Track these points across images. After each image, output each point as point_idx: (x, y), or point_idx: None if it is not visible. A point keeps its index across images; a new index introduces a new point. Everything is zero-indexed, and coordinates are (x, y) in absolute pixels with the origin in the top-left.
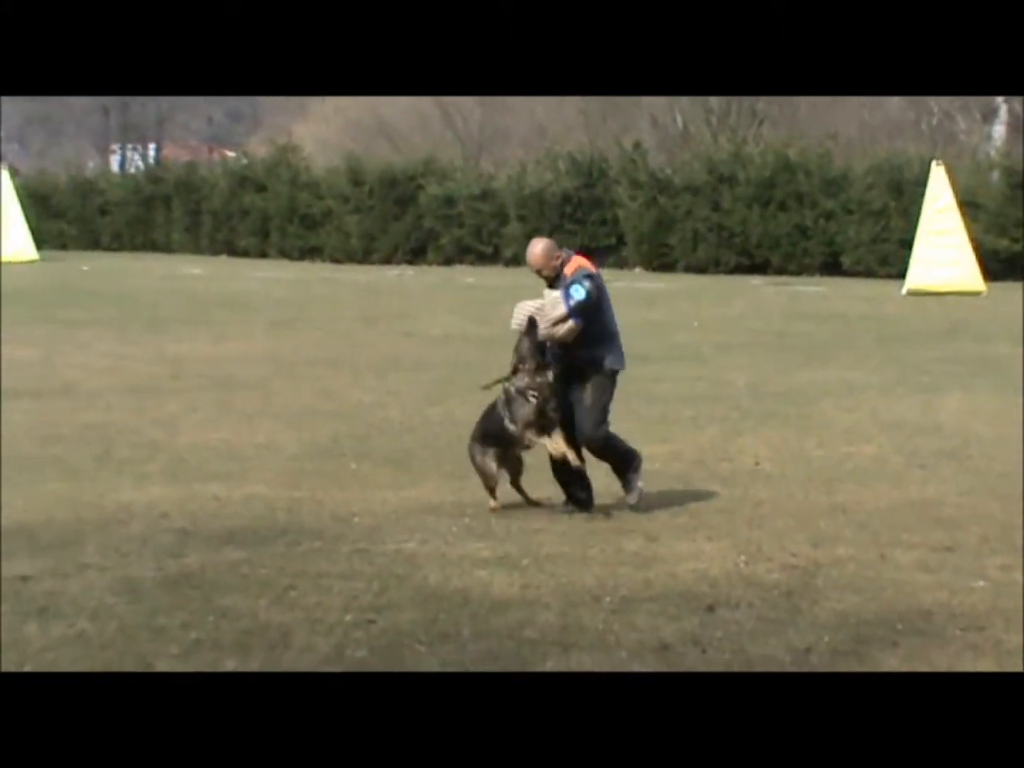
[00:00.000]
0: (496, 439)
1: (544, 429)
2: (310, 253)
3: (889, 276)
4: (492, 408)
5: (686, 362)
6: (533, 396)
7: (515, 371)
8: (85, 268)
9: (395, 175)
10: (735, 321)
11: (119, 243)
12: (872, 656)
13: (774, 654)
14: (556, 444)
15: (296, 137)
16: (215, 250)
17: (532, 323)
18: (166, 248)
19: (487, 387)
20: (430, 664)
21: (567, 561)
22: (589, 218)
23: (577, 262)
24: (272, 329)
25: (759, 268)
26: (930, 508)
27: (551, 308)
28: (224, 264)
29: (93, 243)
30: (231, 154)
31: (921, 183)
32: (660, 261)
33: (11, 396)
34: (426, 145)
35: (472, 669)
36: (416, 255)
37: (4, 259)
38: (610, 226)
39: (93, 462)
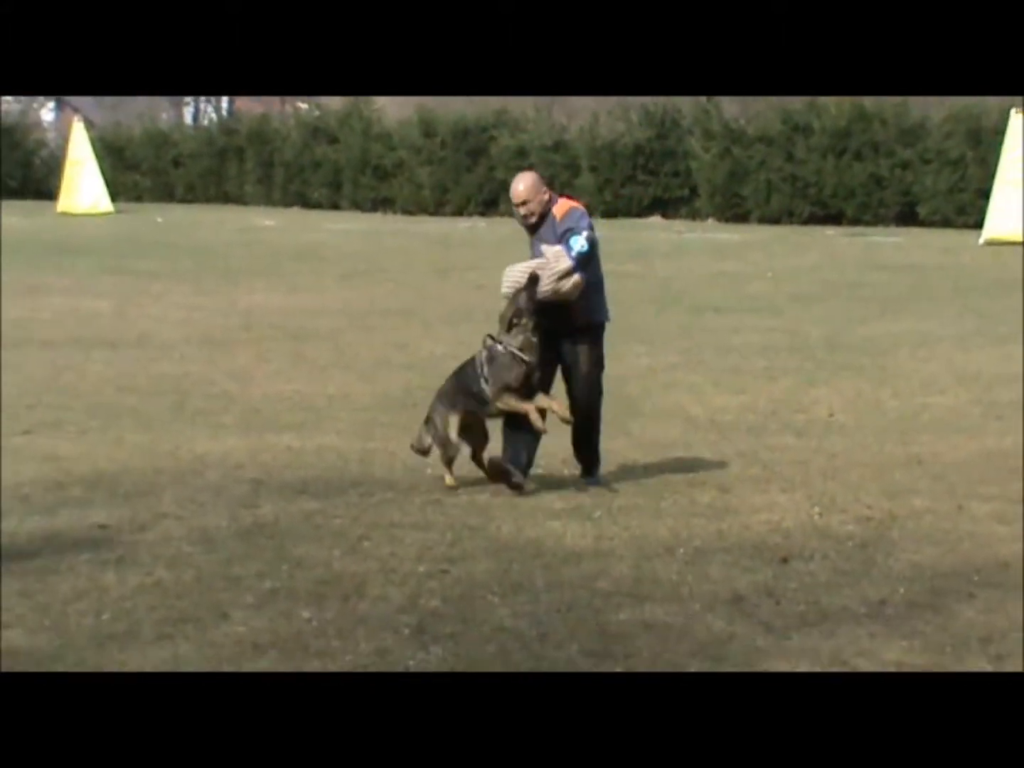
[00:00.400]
0: (468, 398)
1: (526, 396)
2: (382, 204)
3: (966, 226)
4: (469, 365)
5: (760, 313)
6: (525, 359)
7: (509, 328)
8: (159, 220)
9: (467, 126)
10: (809, 272)
11: (193, 195)
12: (948, 608)
13: (848, 605)
14: (561, 409)
15: None
16: (288, 202)
17: (534, 279)
18: (239, 200)
19: None
20: (503, 615)
21: (640, 512)
22: (662, 169)
23: (566, 204)
24: (344, 280)
25: (834, 218)
26: (1007, 459)
27: (555, 262)
28: (297, 215)
29: (167, 195)
30: (303, 106)
31: (1000, 132)
32: (733, 212)
33: (87, 347)
34: (498, 97)
35: (545, 619)
36: (488, 206)
37: (80, 211)
38: (683, 177)
39: (168, 413)
